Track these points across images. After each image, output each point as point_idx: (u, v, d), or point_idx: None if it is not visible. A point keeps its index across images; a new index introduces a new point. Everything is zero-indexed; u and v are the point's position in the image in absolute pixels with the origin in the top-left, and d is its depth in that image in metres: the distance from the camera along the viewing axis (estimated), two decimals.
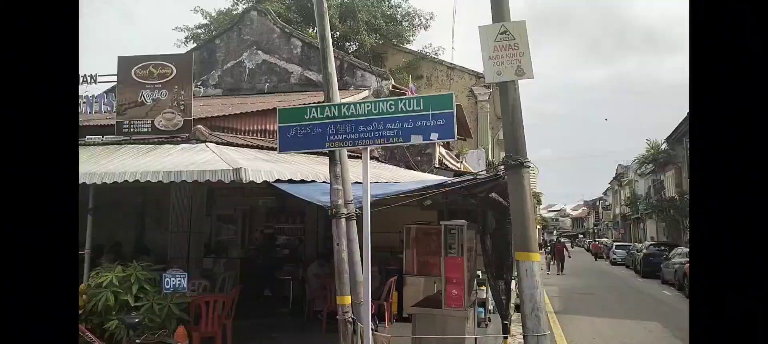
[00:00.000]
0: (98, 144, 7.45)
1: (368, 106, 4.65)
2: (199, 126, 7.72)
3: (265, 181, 5.75)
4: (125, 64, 7.59)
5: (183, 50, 16.82)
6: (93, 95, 8.37)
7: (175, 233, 8.77)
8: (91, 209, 6.40)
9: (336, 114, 4.69)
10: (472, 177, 6.04)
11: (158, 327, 5.38)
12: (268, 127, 9.49)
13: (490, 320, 8.51)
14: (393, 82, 12.82)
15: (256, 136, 9.23)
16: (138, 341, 4.92)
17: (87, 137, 7.71)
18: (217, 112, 9.13)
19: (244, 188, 11.06)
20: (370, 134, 4.60)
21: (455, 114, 4.52)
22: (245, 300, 7.66)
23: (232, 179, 5.51)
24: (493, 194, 5.88)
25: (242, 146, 7.67)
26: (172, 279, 5.59)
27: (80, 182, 5.94)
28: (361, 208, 4.81)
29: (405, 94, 11.60)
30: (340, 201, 4.65)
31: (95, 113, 8.09)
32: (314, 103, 6.82)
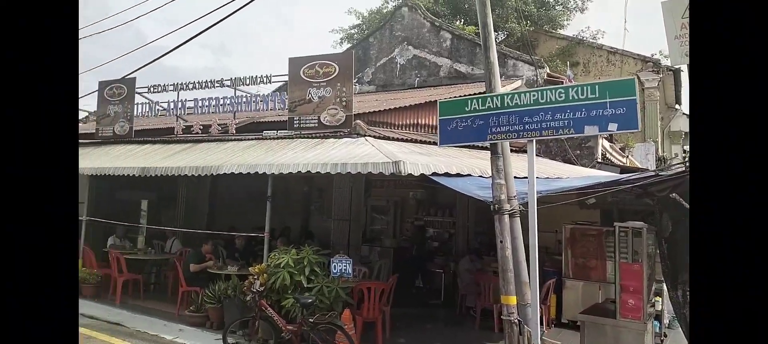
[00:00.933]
0: (273, 138, 8.28)
1: (534, 95, 4.38)
2: (358, 121, 8.13)
3: (422, 174, 5.80)
4: (295, 64, 8.30)
5: (339, 51, 17.95)
6: (268, 94, 9.32)
7: (337, 221, 9.43)
8: (270, 196, 7.12)
9: (499, 105, 4.50)
10: (653, 174, 5.35)
11: (327, 309, 5.79)
12: (420, 121, 9.62)
13: (666, 335, 7.54)
14: (548, 71, 12.06)
15: (409, 130, 9.42)
16: (311, 320, 5.34)
17: (264, 132, 8.63)
18: (373, 107, 9.52)
19: (396, 180, 11.41)
20: (536, 125, 4.34)
21: (638, 101, 4.04)
22: (397, 289, 7.90)
23: (392, 171, 5.65)
24: (674, 194, 5.15)
25: (397, 139, 7.88)
26: (339, 264, 5.96)
27: (261, 172, 6.68)
28: (524, 204, 4.57)
29: (561, 82, 10.82)
30: (503, 197, 4.46)
31: (270, 110, 8.99)
32: (469, 95, 6.68)
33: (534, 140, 4.36)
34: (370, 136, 7.55)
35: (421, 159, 6.01)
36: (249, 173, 6.83)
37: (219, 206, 12.92)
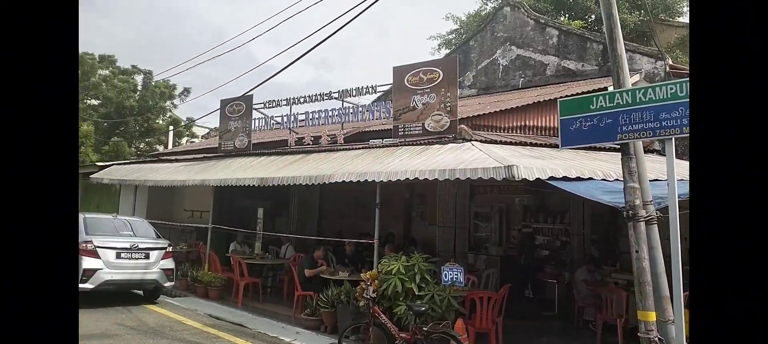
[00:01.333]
0: (379, 146, 8.41)
1: (672, 88, 3.94)
2: (463, 126, 7.97)
3: (538, 178, 5.50)
4: (399, 73, 8.37)
5: (437, 57, 17.89)
6: (373, 103, 9.51)
7: (442, 228, 9.34)
8: (378, 204, 7.22)
9: (629, 101, 4.11)
10: None
11: (438, 317, 5.69)
12: (528, 122, 9.21)
13: None
14: (670, 62, 10.93)
15: (516, 132, 9.05)
16: (425, 328, 5.27)
17: (370, 141, 8.81)
18: (477, 111, 9.29)
19: (501, 185, 11.03)
20: (675, 121, 3.89)
21: None
22: (508, 299, 7.57)
23: (505, 176, 5.43)
24: None
25: (505, 143, 7.59)
26: (450, 272, 5.84)
27: (370, 180, 6.80)
28: (661, 210, 4.12)
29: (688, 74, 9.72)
30: (638, 202, 4.05)
31: (375, 119, 9.16)
32: (583, 93, 6.22)
33: (673, 139, 3.91)
34: (475, 140, 7.36)
35: (535, 163, 5.71)
36: (358, 181, 6.98)
37: (327, 213, 13.45)
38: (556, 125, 9.42)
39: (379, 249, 7.48)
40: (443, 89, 7.92)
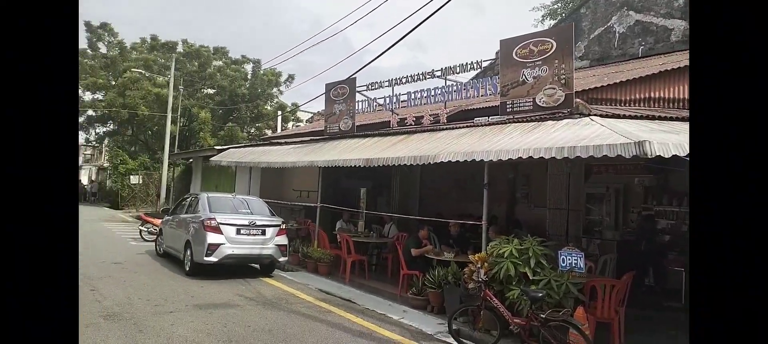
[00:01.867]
0: (485, 125, 8.09)
1: None
2: (579, 100, 7.39)
3: (674, 155, 4.90)
4: (506, 46, 7.95)
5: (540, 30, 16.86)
6: (478, 80, 9.17)
7: (553, 210, 8.83)
8: (487, 184, 6.97)
9: None
10: None
11: (555, 304, 5.37)
12: (652, 94, 8.34)
13: None
14: None
15: (639, 105, 8.23)
16: (542, 316, 5.00)
17: (475, 119, 8.52)
18: (592, 83, 8.59)
19: (617, 165, 10.15)
20: None
21: None
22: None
23: (635, 153, 4.91)
24: None
25: (628, 117, 6.90)
26: (569, 257, 5.47)
27: (478, 159, 6.55)
28: None
29: None
30: None
31: (480, 96, 8.82)
32: None
33: None
34: (594, 115, 6.78)
35: (669, 138, 5.10)
36: (460, 161, 6.78)
37: (427, 194, 13.40)
38: (686, 96, 8.42)
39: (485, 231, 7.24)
40: (557, 61, 7.38)
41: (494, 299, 5.55)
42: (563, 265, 5.53)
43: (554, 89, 7.34)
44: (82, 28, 30.43)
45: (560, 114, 7.17)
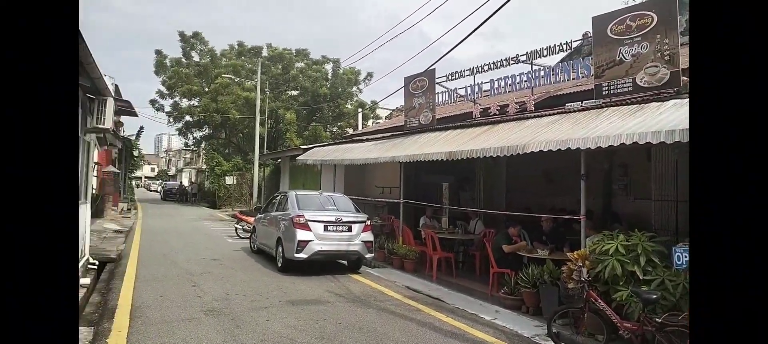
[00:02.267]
0: (579, 110, 7.50)
1: None
2: (686, 78, 6.60)
3: None
4: (600, 23, 7.30)
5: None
6: (569, 62, 8.55)
7: (658, 202, 8.00)
8: (584, 175, 6.45)
9: None
10: None
11: (670, 307, 4.80)
12: None
13: None
14: None
15: None
16: (658, 320, 4.48)
17: (567, 104, 7.94)
18: None
19: None
20: None
21: None
22: None
23: None
24: None
25: None
26: (685, 254, 4.87)
27: (573, 148, 6.06)
28: None
29: None
30: None
31: (572, 79, 8.22)
32: None
33: None
34: None
35: None
36: (550, 150, 6.31)
37: (513, 187, 12.82)
38: None
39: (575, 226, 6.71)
40: (659, 36, 6.65)
41: (600, 300, 5.08)
42: (679, 263, 4.93)
43: (657, 66, 6.62)
44: (176, 38, 32.95)
45: (665, 94, 6.45)
